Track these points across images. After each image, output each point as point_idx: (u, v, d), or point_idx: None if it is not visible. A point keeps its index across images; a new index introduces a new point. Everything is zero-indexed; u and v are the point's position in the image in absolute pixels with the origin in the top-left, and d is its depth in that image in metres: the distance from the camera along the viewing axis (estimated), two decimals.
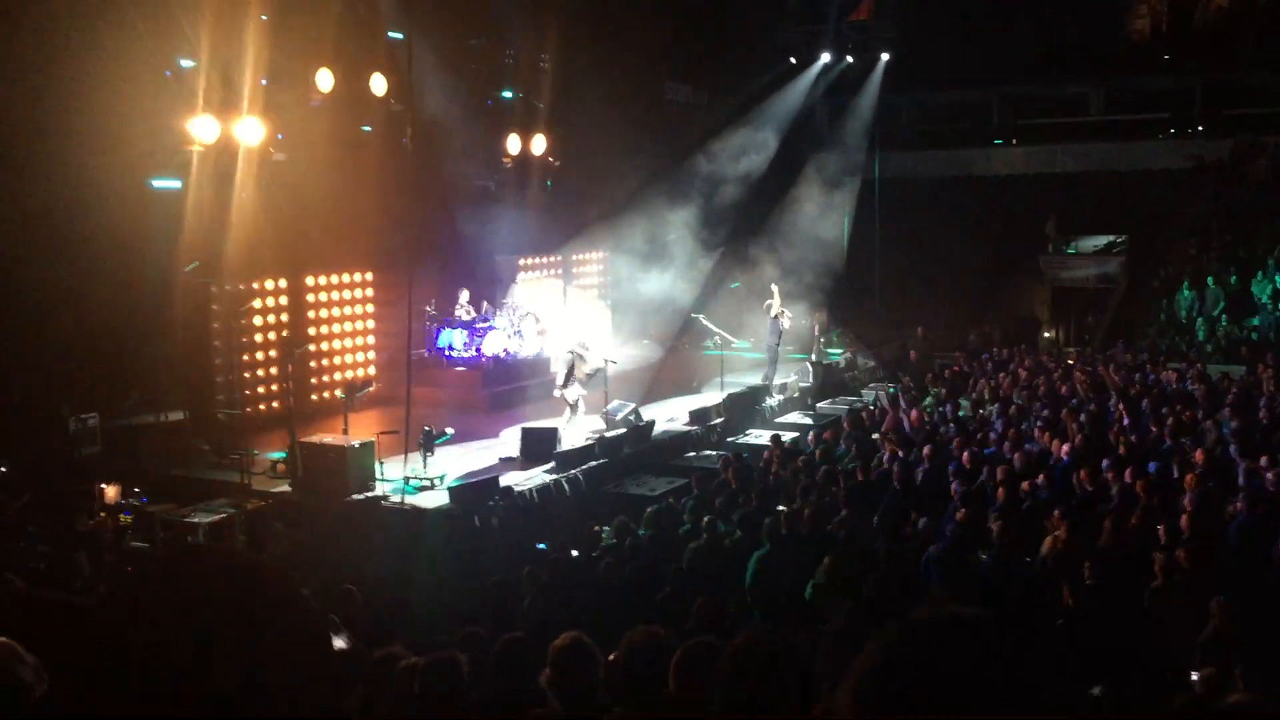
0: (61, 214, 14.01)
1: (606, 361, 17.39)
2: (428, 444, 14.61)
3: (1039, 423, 14.99)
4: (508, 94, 21.56)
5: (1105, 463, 11.84)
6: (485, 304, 20.14)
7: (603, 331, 21.19)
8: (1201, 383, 17.52)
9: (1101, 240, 28.20)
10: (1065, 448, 13.08)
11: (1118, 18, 29.67)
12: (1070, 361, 21.28)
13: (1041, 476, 11.62)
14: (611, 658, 4.07)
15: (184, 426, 16.34)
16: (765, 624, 2.36)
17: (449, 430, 15.46)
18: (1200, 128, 28.31)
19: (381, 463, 14.19)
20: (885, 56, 28.17)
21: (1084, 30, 28.80)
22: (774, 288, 20.44)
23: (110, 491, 13.40)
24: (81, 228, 14.07)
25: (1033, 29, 28.77)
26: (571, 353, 16.68)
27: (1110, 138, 29.02)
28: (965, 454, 13.13)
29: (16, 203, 13.76)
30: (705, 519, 10.66)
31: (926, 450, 13.21)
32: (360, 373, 19.01)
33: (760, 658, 2.33)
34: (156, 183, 15.96)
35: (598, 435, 16.24)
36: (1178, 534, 8.99)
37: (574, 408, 16.61)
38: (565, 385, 16.58)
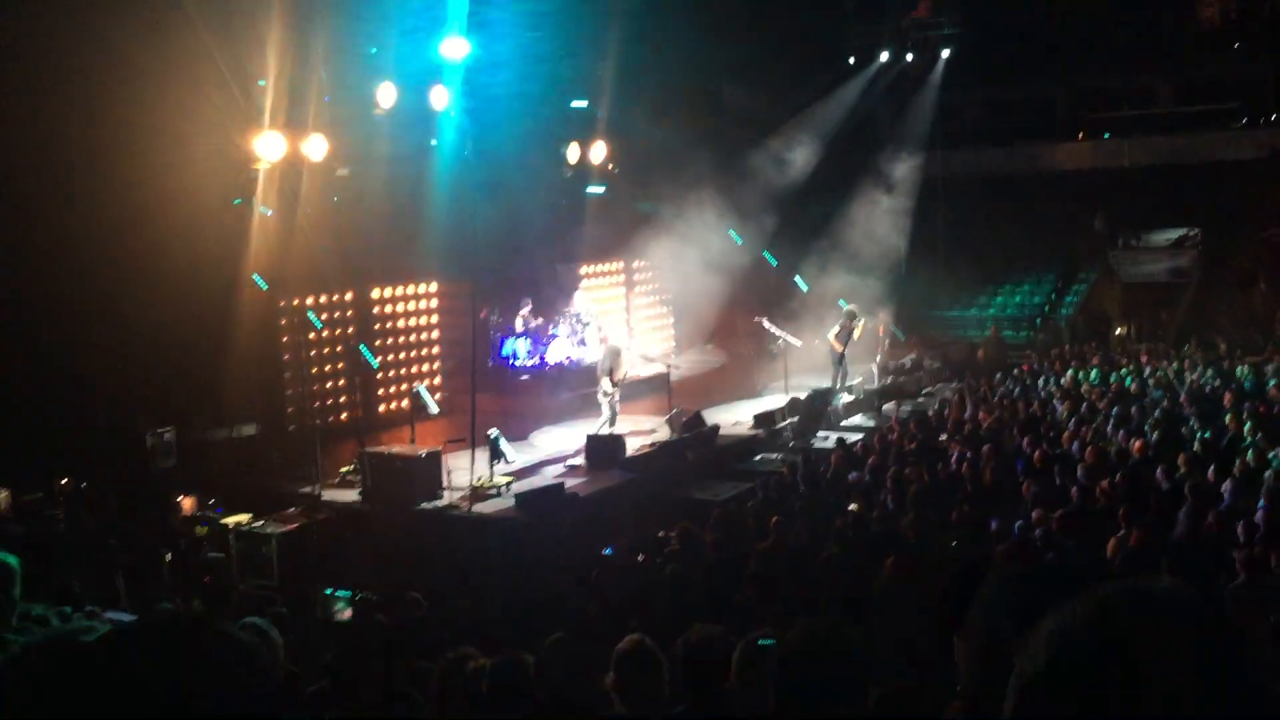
0: (134, 231, 14.33)
1: (669, 366, 17.42)
2: (494, 451, 14.74)
3: (1110, 421, 14.74)
4: (567, 103, 21.66)
5: (1180, 459, 11.61)
6: (526, 310, 20.24)
7: (664, 337, 21.21)
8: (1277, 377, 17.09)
9: (1173, 234, 27.63)
10: (1139, 444, 12.85)
11: (1186, 6, 29.03)
12: (1143, 358, 20.86)
13: (1119, 475, 11.41)
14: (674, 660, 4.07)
15: (256, 439, 16.64)
16: (820, 618, 2.34)
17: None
18: (1274, 116, 27.61)
19: (449, 471, 14.34)
20: (946, 53, 27.85)
21: (1151, 20, 28.22)
22: (856, 313, 20.19)
23: (187, 503, 13.70)
24: (152, 245, 14.38)
25: (1098, 20, 28.26)
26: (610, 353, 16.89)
27: (1180, 129, 28.38)
28: (1036, 453, 12.94)
29: (89, 221, 14.12)
30: (774, 521, 10.62)
31: (987, 449, 13.05)
32: (427, 382, 19.14)
33: (815, 651, 2.32)
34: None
35: (662, 441, 16.26)
36: (1255, 531, 8.77)
37: (613, 410, 16.80)
38: (613, 388, 16.73)
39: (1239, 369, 18.27)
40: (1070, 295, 27.75)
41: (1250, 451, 12.09)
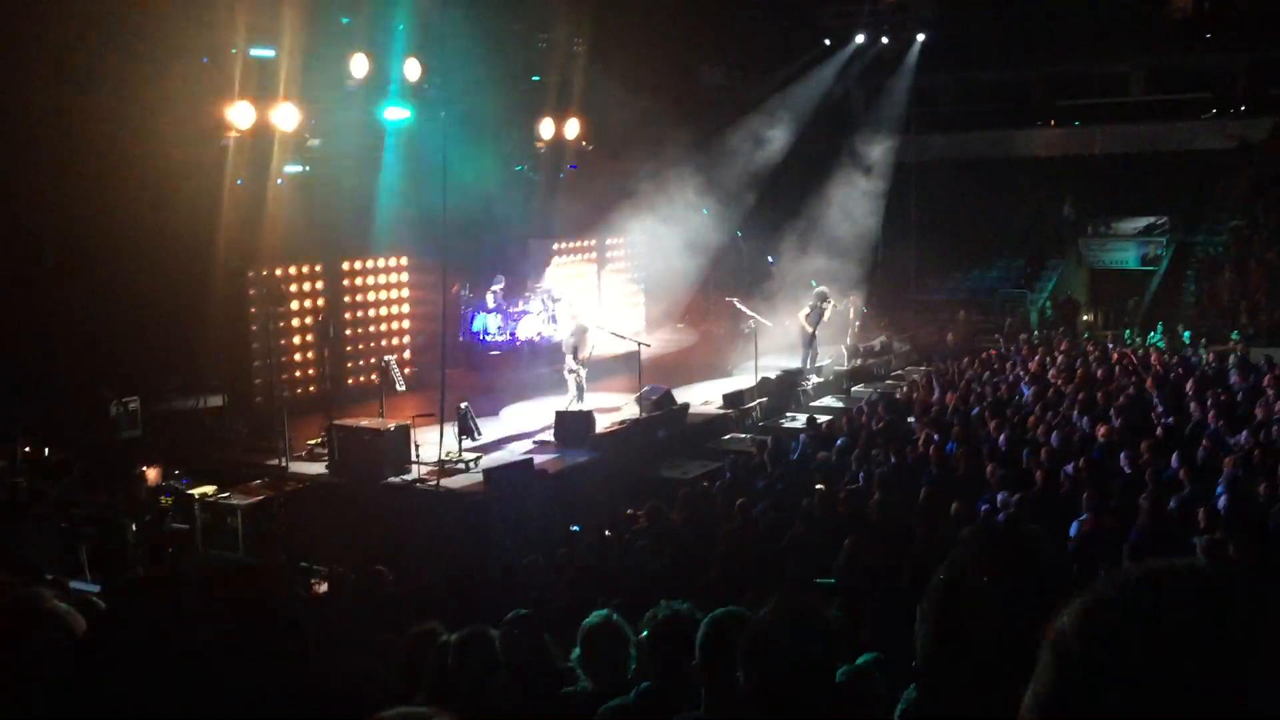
0: (101, 201, 14.15)
1: (640, 345, 17.42)
2: (463, 426, 14.70)
3: (1076, 406, 14.88)
4: (541, 78, 21.54)
5: (1143, 445, 11.73)
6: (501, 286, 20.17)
7: (635, 315, 21.19)
8: (1240, 367, 17.29)
9: (1142, 222, 27.89)
10: (1103, 430, 12.97)
11: None
12: (1109, 344, 21.09)
13: (1083, 460, 11.51)
14: (641, 636, 4.09)
15: (223, 410, 16.52)
16: (790, 595, 2.34)
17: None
18: (1243, 107, 27.87)
19: (418, 445, 14.29)
20: (921, 37, 27.90)
21: (1125, 8, 28.38)
22: (828, 294, 20.14)
23: (151, 474, 13.59)
24: (121, 214, 14.21)
25: (1072, 8, 28.40)
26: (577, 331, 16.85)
27: (1151, 118, 28.61)
28: (1002, 437, 13.05)
29: (57, 190, 13.93)
30: (739, 501, 10.66)
31: (956, 431, 13.14)
32: (397, 356, 19.05)
33: (784, 627, 2.33)
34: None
35: (631, 419, 16.28)
36: (1216, 518, 8.89)
37: (580, 388, 16.76)
38: (577, 365, 16.70)
39: (1202, 355, 18.51)
40: (1039, 280, 27.96)
41: (1211, 438, 12.25)
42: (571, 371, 16.74)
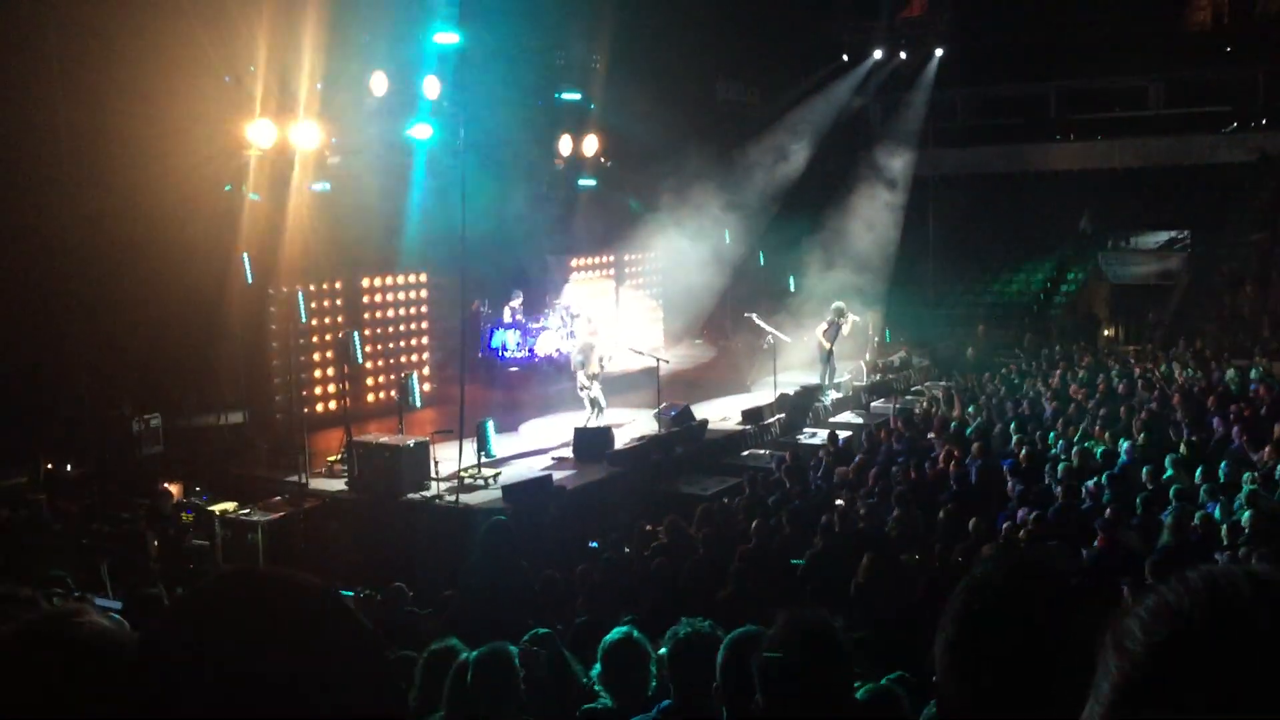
0: (122, 218, 14.26)
1: (659, 360, 17.42)
2: (482, 442, 14.73)
3: (1098, 422, 14.81)
4: (560, 95, 21.62)
5: (1166, 461, 11.67)
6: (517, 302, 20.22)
7: (654, 330, 21.14)
8: (1262, 381, 17.16)
9: (1162, 236, 27.74)
10: (1125, 446, 12.91)
11: (1177, 9, 29.12)
12: (1130, 359, 20.98)
13: (1105, 476, 11.45)
14: (661, 653, 4.09)
15: (243, 427, 16.59)
16: (804, 610, 2.33)
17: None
18: (1263, 120, 27.72)
19: (437, 462, 14.32)
20: (939, 52, 27.88)
21: (1143, 22, 28.28)
22: (845, 310, 19.98)
23: (173, 490, 13.66)
24: (142, 232, 14.32)
25: (1090, 22, 28.32)
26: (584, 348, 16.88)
27: (1170, 132, 28.48)
28: (1023, 453, 12.99)
29: (78, 207, 14.05)
30: (755, 523, 10.62)
31: (976, 447, 13.09)
32: (416, 373, 19.13)
33: (798, 643, 2.33)
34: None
35: (650, 435, 16.27)
36: (1239, 534, 8.83)
37: (595, 404, 16.75)
38: (589, 382, 16.70)
39: (1229, 371, 18.37)
40: (1059, 296, 27.85)
41: (1234, 454, 12.17)
42: (584, 389, 16.75)
